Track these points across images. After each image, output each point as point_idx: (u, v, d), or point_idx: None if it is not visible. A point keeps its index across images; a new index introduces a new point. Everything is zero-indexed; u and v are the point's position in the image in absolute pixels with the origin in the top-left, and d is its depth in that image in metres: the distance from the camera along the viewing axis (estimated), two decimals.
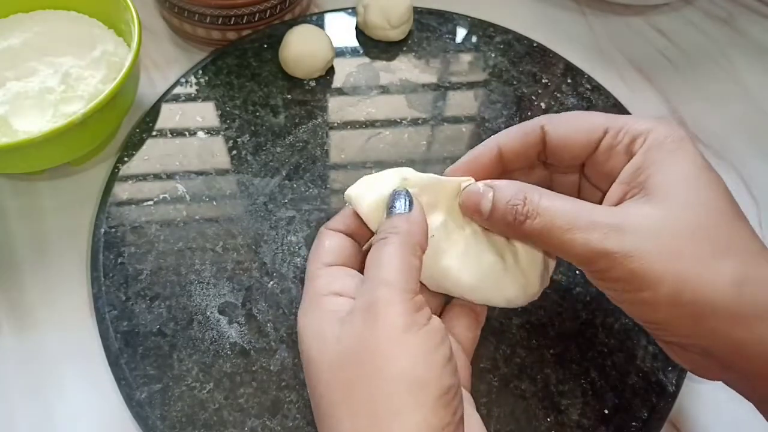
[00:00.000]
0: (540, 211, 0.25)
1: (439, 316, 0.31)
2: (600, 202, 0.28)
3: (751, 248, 0.24)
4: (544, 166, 0.31)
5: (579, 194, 0.31)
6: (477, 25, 0.52)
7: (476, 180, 0.29)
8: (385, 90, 0.47)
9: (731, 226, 0.25)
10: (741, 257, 0.24)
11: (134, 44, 0.40)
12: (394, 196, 0.27)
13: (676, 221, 0.24)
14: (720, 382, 0.37)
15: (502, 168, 0.30)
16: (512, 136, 0.30)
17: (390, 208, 0.27)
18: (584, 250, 0.24)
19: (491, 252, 0.29)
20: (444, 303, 0.31)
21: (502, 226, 0.27)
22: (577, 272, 0.39)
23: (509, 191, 0.26)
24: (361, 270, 0.28)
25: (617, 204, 0.26)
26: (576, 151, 0.28)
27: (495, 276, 0.29)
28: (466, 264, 0.28)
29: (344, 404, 0.23)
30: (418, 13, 0.52)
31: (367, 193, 0.28)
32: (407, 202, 0.27)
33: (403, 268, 0.25)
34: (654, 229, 0.24)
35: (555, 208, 0.25)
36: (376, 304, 0.23)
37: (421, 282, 0.29)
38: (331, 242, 0.28)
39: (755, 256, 0.24)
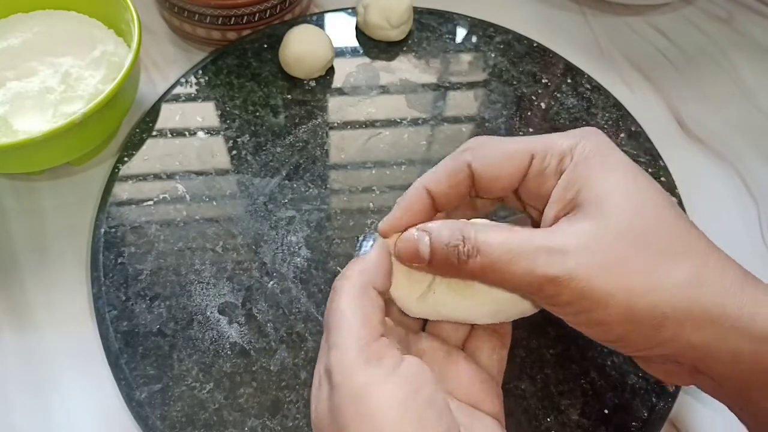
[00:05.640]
0: (479, 247, 0.25)
1: (465, 340, 0.30)
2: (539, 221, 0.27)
3: (699, 247, 0.24)
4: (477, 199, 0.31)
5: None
6: (477, 25, 0.52)
7: None
8: (385, 90, 0.47)
9: (674, 228, 0.24)
10: (690, 258, 0.23)
11: (134, 44, 0.40)
12: (361, 240, 0.27)
13: (614, 232, 0.23)
14: None
15: (436, 210, 0.29)
16: (438, 177, 0.28)
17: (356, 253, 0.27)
18: (529, 279, 0.24)
19: None
20: (469, 330, 0.30)
21: (445, 269, 0.26)
22: None
23: (445, 232, 0.25)
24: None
25: (552, 224, 0.26)
26: (505, 182, 0.28)
27: (508, 294, 0.28)
28: (479, 300, 0.28)
29: None
30: (418, 13, 0.52)
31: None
32: (369, 246, 0.27)
33: (352, 321, 0.23)
34: (592, 245, 0.23)
35: (492, 240, 0.24)
36: (330, 372, 0.23)
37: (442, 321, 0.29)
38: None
39: (705, 255, 0.23)
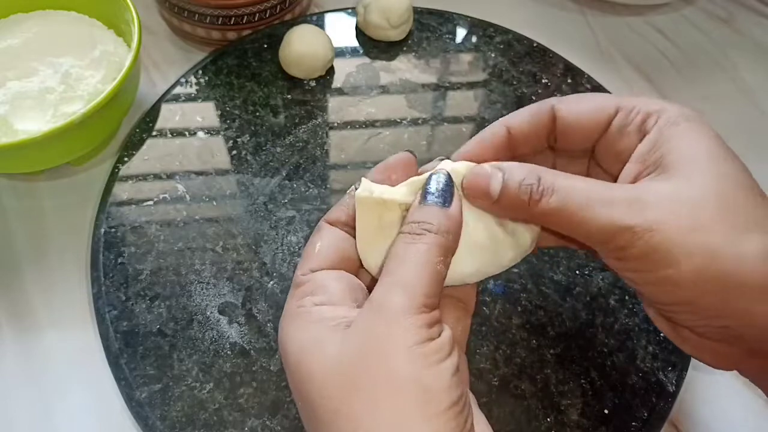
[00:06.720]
0: (556, 188, 0.24)
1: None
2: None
3: None
4: (552, 151, 0.30)
5: None
6: (477, 25, 0.52)
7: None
8: (385, 90, 0.47)
9: (755, 200, 0.23)
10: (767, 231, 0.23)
11: (134, 44, 0.40)
12: (432, 177, 0.25)
13: (699, 194, 0.23)
14: (722, 382, 0.37)
15: (512, 152, 0.29)
16: (521, 117, 0.28)
17: (425, 192, 0.25)
18: (604, 225, 0.23)
19: (477, 231, 0.27)
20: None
21: (513, 209, 0.25)
22: (577, 272, 0.39)
23: (521, 171, 0.25)
24: (356, 269, 0.27)
25: (632, 183, 0.25)
26: (587, 130, 0.27)
27: (489, 251, 0.27)
28: (459, 256, 0.26)
29: (344, 411, 0.21)
30: (418, 13, 0.52)
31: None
32: (448, 191, 0.25)
33: (426, 274, 0.23)
34: (676, 203, 0.23)
35: (569, 184, 0.24)
36: (388, 310, 0.22)
37: None
38: (323, 242, 0.27)
39: None
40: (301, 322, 0.24)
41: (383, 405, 0.21)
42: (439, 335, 0.23)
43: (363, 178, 0.26)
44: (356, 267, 0.27)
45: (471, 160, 0.27)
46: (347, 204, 0.27)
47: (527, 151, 0.29)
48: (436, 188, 0.25)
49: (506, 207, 0.25)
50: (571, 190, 0.24)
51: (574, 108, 0.28)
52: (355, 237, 0.27)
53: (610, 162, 0.28)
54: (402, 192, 0.26)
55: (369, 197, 0.26)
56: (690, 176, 0.24)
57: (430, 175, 0.26)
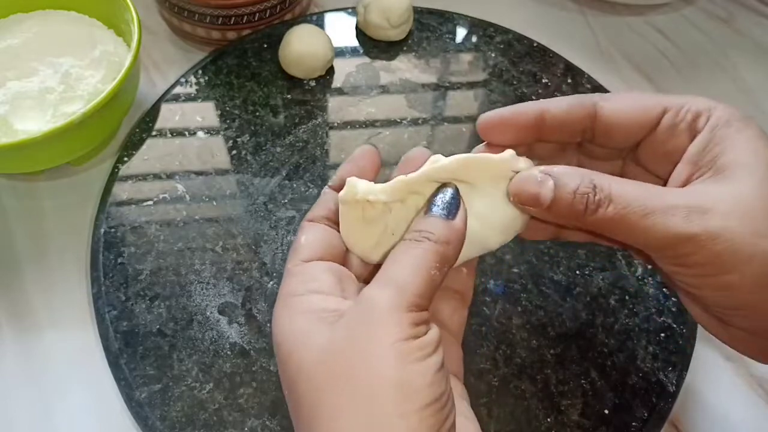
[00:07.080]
0: (612, 197, 0.23)
1: None
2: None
3: None
4: (577, 148, 0.30)
5: None
6: (477, 25, 0.52)
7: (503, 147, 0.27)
8: (385, 90, 0.47)
9: None
10: None
11: (134, 44, 0.40)
12: (439, 190, 0.26)
13: (757, 198, 0.23)
14: (722, 382, 0.37)
15: (538, 135, 0.28)
16: (560, 105, 0.27)
17: (431, 204, 0.25)
18: (664, 234, 0.23)
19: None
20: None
21: (565, 217, 0.25)
22: (577, 272, 0.39)
23: (574, 178, 0.24)
24: (342, 259, 0.27)
25: (684, 185, 0.25)
26: (632, 129, 0.27)
27: (477, 236, 0.27)
28: None
29: (324, 404, 0.22)
30: (418, 12, 0.52)
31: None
32: (453, 204, 0.25)
33: (420, 275, 0.23)
34: (736, 208, 0.22)
35: (627, 192, 0.23)
36: (377, 305, 0.22)
37: None
38: (308, 236, 0.27)
39: None
40: (292, 312, 0.24)
41: (361, 399, 0.21)
42: (425, 334, 0.23)
43: (349, 178, 0.27)
44: (342, 257, 0.27)
45: (495, 128, 0.27)
46: (325, 201, 0.28)
47: (554, 140, 0.29)
48: (442, 201, 0.25)
49: (558, 215, 0.25)
50: (630, 199, 0.23)
51: (619, 106, 0.27)
52: (338, 230, 0.27)
53: (658, 162, 0.27)
54: (387, 191, 0.26)
55: (353, 199, 0.26)
56: (746, 179, 0.23)
57: (438, 189, 0.26)
